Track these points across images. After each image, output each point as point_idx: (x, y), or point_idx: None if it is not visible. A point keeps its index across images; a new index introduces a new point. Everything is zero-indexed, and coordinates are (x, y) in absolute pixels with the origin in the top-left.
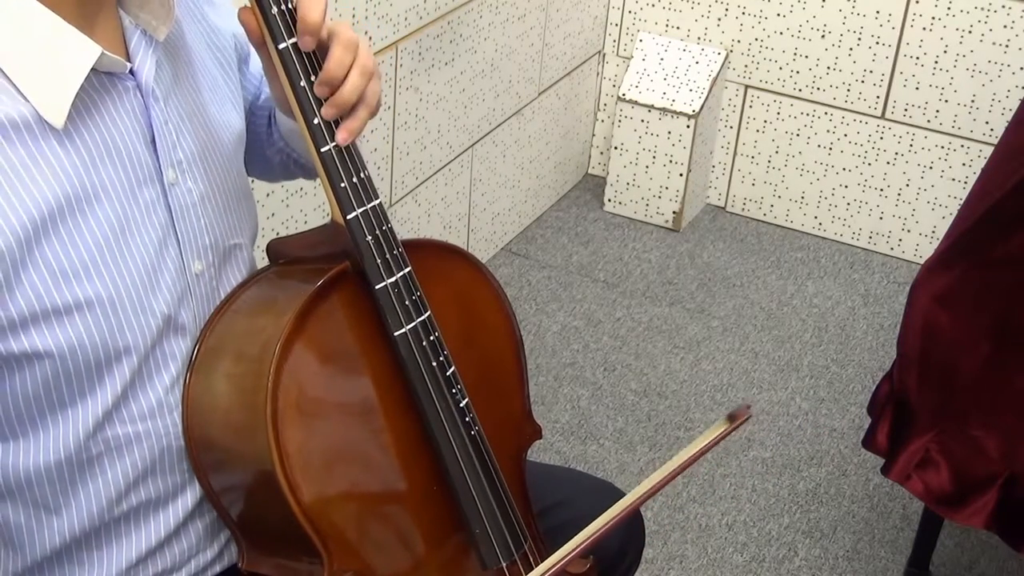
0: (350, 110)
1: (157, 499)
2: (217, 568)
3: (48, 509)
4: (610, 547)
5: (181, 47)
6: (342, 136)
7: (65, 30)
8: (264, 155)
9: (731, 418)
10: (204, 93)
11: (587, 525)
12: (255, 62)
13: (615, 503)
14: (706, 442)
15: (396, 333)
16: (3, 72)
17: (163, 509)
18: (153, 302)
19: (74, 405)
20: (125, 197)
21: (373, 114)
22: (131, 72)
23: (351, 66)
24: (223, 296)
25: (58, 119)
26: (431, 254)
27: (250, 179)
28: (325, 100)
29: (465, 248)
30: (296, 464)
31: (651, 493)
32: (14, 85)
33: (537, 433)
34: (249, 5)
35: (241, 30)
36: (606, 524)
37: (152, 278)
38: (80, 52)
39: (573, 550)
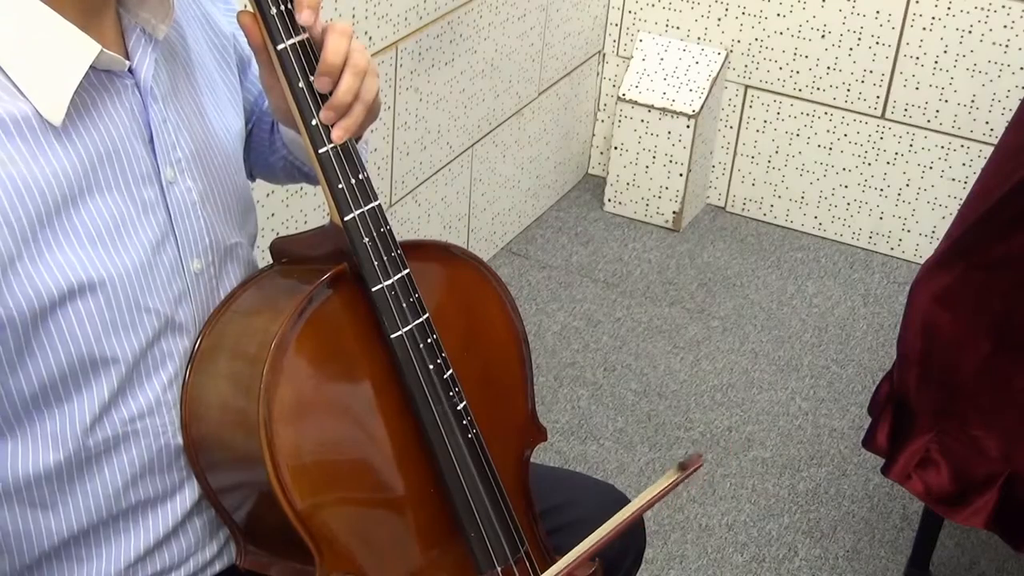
0: (346, 110)
1: (155, 497)
2: (217, 567)
3: (45, 508)
4: (611, 548)
5: (181, 47)
6: (337, 134)
7: (65, 28)
8: (268, 161)
9: (682, 467)
10: (203, 93)
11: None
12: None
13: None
14: (658, 491)
15: (393, 335)
16: (2, 70)
17: (161, 507)
18: (148, 300)
19: (70, 402)
20: (121, 195)
21: (371, 112)
22: (130, 71)
23: (347, 55)
24: (223, 295)
25: (56, 116)
26: (432, 255)
27: (250, 179)
28: (327, 94)
29: (465, 248)
30: (289, 465)
31: (605, 541)
32: (13, 83)
33: (542, 435)
34: (249, 7)
35: (240, 32)
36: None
37: (147, 276)
38: (79, 50)
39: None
